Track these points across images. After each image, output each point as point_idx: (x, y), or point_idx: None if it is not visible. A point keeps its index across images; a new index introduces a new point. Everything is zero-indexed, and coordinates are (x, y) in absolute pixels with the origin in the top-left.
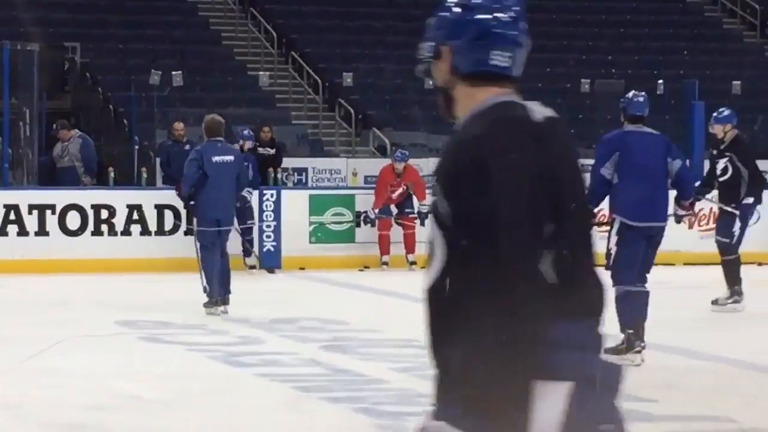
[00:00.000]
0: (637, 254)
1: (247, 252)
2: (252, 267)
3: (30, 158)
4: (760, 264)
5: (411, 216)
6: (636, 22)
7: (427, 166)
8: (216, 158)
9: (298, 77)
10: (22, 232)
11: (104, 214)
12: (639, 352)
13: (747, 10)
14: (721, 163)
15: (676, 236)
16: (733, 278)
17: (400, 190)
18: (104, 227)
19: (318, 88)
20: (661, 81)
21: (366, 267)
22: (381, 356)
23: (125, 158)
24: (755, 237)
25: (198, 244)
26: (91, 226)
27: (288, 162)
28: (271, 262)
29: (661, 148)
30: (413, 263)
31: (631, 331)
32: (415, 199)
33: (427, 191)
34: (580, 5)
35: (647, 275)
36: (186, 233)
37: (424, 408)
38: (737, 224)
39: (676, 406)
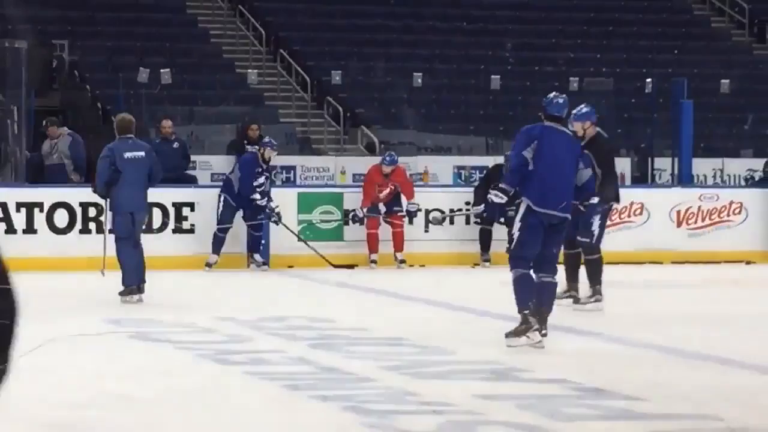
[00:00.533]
0: (537, 240)
1: (257, 248)
2: (264, 263)
3: (18, 156)
4: (748, 263)
5: (399, 214)
6: (624, 21)
7: (415, 164)
8: (127, 154)
9: (287, 75)
10: (10, 229)
11: (92, 212)
12: (537, 331)
13: (735, 9)
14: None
15: (664, 235)
16: (595, 278)
17: (388, 189)
18: (92, 225)
19: (306, 86)
20: (649, 79)
21: (354, 265)
22: (369, 354)
23: None
24: (743, 236)
25: (114, 236)
26: (79, 224)
27: (276, 160)
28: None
29: (575, 150)
30: (402, 262)
31: (527, 312)
32: (403, 197)
33: (416, 190)
34: (569, 4)
35: (556, 267)
36: (174, 231)
37: (412, 406)
38: (596, 223)
39: (663, 404)
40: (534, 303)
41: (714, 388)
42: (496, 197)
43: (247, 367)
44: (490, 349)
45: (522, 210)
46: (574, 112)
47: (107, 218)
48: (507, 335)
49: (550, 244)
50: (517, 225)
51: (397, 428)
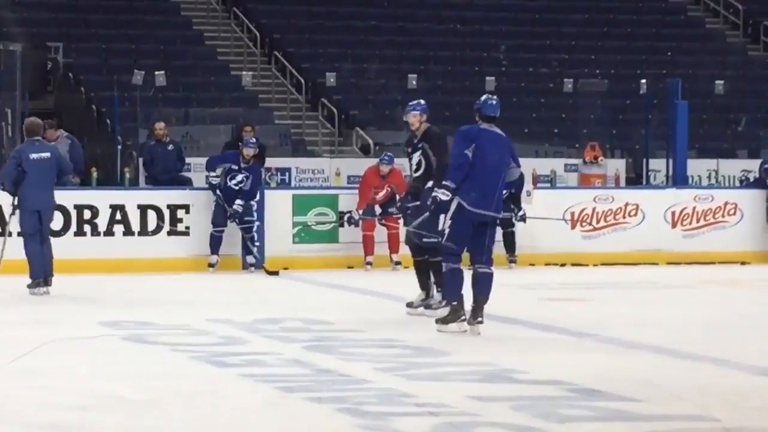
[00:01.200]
0: (466, 236)
1: (248, 250)
2: (251, 265)
3: None
4: (742, 263)
5: (395, 216)
6: (619, 22)
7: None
8: (33, 155)
9: (281, 77)
10: (5, 232)
11: (87, 214)
12: (464, 320)
13: (730, 10)
14: (416, 158)
15: (659, 235)
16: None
17: (384, 191)
18: (87, 227)
19: (301, 87)
20: (644, 80)
21: (350, 267)
22: (364, 356)
23: (108, 158)
24: (738, 237)
25: (22, 232)
26: (74, 227)
27: (271, 162)
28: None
29: (507, 149)
30: (397, 263)
31: (455, 303)
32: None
33: None
34: (563, 5)
35: (491, 258)
36: (169, 233)
37: (407, 408)
38: (446, 221)
39: (659, 405)
40: (477, 293)
41: (709, 388)
42: (442, 195)
43: (242, 369)
44: (485, 350)
45: (453, 208)
46: (410, 103)
47: (10, 217)
48: (437, 321)
49: (483, 238)
50: (447, 222)
51: (393, 430)
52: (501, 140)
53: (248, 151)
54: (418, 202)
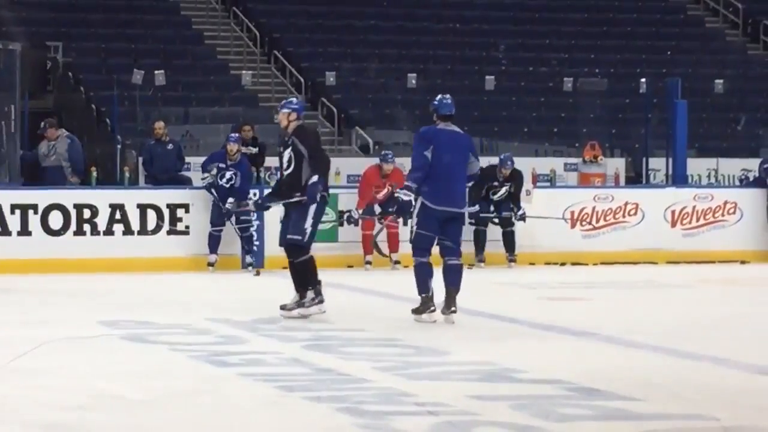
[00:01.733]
0: (434, 233)
1: (247, 250)
2: (249, 265)
3: (12, 158)
4: (742, 263)
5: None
6: (619, 21)
7: (409, 165)
8: None
9: (281, 76)
10: (5, 231)
11: (87, 213)
12: (433, 311)
13: (729, 9)
14: (286, 154)
15: (659, 235)
16: (309, 281)
17: (385, 190)
18: (87, 227)
19: (300, 87)
20: (643, 79)
21: (349, 266)
22: (364, 355)
23: (108, 158)
24: (737, 236)
25: None
26: (73, 226)
27: (271, 161)
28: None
29: (465, 146)
30: (397, 263)
31: (424, 295)
32: None
33: None
34: (563, 4)
35: (459, 250)
36: (168, 233)
37: (406, 407)
38: (309, 221)
39: (658, 404)
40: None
41: (708, 387)
42: (405, 195)
43: (241, 369)
44: (484, 349)
45: (418, 206)
46: (282, 102)
47: None
48: (412, 311)
49: (450, 232)
50: (414, 220)
51: (392, 429)
52: (459, 137)
53: (231, 147)
54: (302, 196)
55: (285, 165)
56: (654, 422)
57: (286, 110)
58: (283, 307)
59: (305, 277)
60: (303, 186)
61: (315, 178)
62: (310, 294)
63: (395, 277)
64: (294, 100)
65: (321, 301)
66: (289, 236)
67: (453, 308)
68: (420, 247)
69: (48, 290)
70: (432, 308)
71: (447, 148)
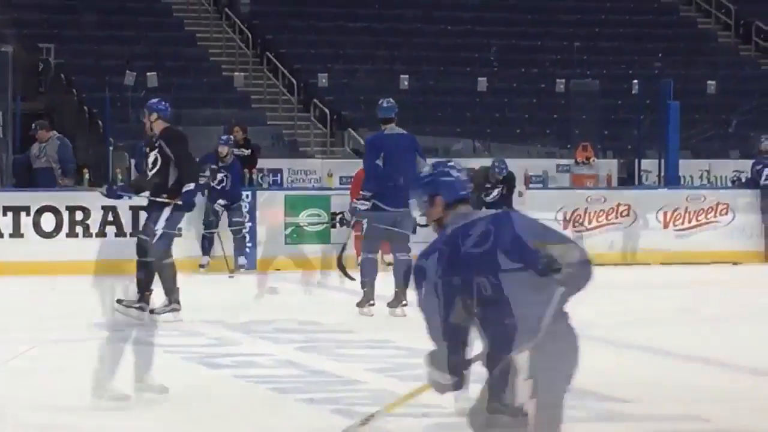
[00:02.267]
0: (380, 233)
1: (240, 251)
2: (241, 266)
3: (4, 160)
4: (735, 263)
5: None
6: (611, 22)
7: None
8: None
9: (273, 78)
10: None
11: (79, 215)
12: (372, 305)
13: (722, 10)
14: (152, 156)
15: (651, 236)
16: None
17: None
18: (79, 229)
19: (293, 88)
20: (635, 81)
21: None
22: (357, 357)
23: (100, 159)
24: (730, 237)
25: None
26: (65, 228)
27: (263, 163)
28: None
29: (411, 147)
30: (389, 264)
31: (366, 289)
32: None
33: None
34: (555, 5)
35: (408, 246)
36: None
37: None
38: (162, 223)
39: (652, 405)
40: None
41: (701, 388)
42: (361, 205)
43: (234, 370)
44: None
45: (370, 206)
46: (149, 103)
47: None
48: (357, 305)
49: (399, 230)
50: (365, 220)
51: (386, 431)
52: (404, 140)
53: (222, 149)
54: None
55: (150, 166)
56: (647, 423)
57: (147, 111)
58: (152, 311)
59: (169, 282)
60: (169, 189)
61: (191, 186)
62: (163, 299)
63: (389, 279)
64: (156, 101)
65: (175, 309)
66: (140, 236)
67: (404, 302)
68: (368, 243)
69: (40, 292)
70: (371, 302)
71: (394, 152)
